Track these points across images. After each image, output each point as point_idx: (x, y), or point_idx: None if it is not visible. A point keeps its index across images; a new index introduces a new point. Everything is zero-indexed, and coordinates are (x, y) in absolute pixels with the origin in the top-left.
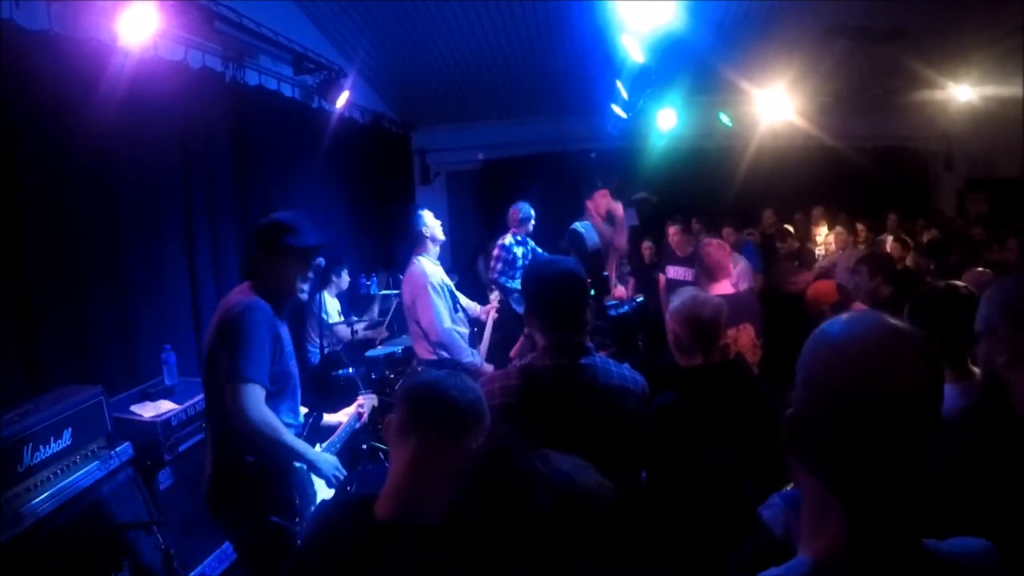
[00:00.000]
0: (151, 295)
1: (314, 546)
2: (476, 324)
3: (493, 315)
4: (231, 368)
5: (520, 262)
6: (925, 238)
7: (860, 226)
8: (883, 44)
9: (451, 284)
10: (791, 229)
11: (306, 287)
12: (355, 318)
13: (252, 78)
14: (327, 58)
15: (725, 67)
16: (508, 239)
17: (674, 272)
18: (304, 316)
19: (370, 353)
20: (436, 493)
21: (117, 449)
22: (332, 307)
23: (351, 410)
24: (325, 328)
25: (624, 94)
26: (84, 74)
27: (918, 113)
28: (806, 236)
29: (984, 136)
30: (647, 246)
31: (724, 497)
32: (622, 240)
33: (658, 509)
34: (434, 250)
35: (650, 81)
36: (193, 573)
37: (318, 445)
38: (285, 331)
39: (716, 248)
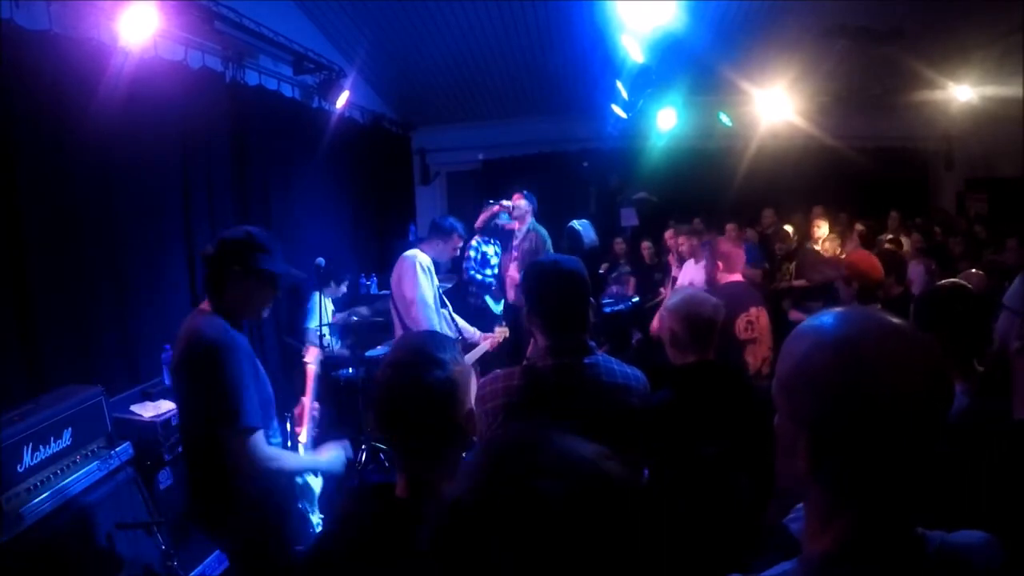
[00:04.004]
0: (151, 295)
1: (336, 527)
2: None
3: (490, 345)
4: (227, 418)
5: (493, 259)
6: (919, 239)
7: (859, 226)
8: (883, 44)
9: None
10: (789, 230)
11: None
12: (355, 318)
13: (252, 78)
14: (327, 58)
15: (725, 67)
16: (476, 239)
17: (676, 272)
18: (301, 316)
19: (370, 353)
20: (448, 471)
21: (117, 449)
22: (328, 309)
23: (309, 389)
24: (324, 326)
25: (624, 94)
26: (84, 74)
27: (918, 113)
28: (806, 236)
29: (984, 136)
30: (647, 246)
31: (719, 494)
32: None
33: (659, 506)
34: (438, 250)
35: (650, 81)
36: (193, 573)
37: (300, 448)
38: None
39: (726, 241)
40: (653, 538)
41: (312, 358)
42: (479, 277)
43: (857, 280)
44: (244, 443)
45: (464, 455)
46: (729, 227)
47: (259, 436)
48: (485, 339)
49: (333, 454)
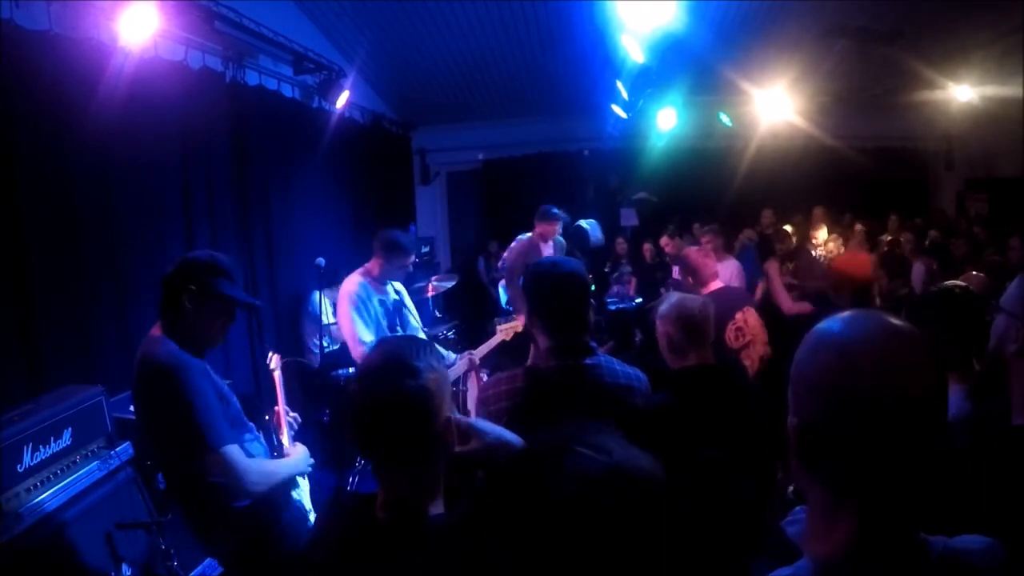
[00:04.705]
0: (151, 295)
1: (316, 546)
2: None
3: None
4: (199, 442)
5: None
6: (927, 239)
7: (859, 227)
8: (883, 44)
9: (398, 298)
10: (789, 230)
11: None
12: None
13: (252, 78)
14: (327, 58)
15: (725, 67)
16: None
17: (678, 272)
18: (300, 316)
19: None
20: (427, 485)
21: (117, 449)
22: (329, 308)
23: (279, 396)
24: (324, 328)
25: (624, 94)
26: (84, 74)
27: (918, 113)
28: (805, 237)
29: (984, 136)
30: (648, 248)
31: (719, 496)
32: None
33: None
34: (383, 269)
35: (650, 81)
36: (193, 573)
37: (286, 445)
38: (212, 372)
39: (696, 253)
40: (674, 535)
41: (276, 363)
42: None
43: (847, 286)
44: (217, 464)
45: (445, 467)
46: (704, 240)
47: (232, 451)
48: (500, 330)
49: (299, 455)
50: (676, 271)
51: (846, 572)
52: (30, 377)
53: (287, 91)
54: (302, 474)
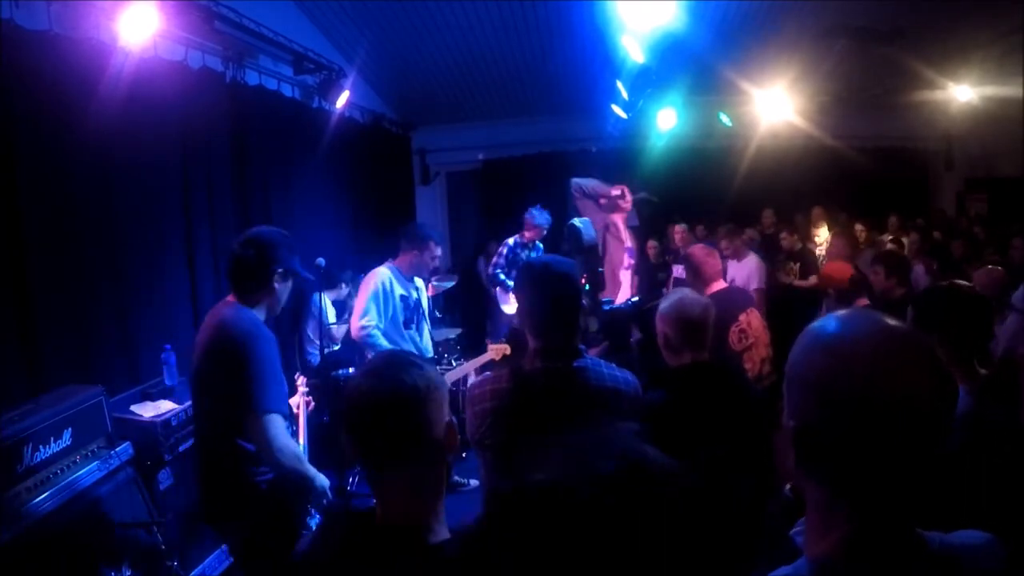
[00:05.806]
0: (151, 295)
1: (314, 554)
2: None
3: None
4: (252, 400)
5: None
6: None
7: (859, 227)
8: (883, 44)
9: (418, 297)
10: (793, 230)
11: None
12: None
13: (252, 78)
14: (327, 58)
15: (725, 67)
16: (513, 240)
17: (679, 271)
18: (302, 317)
19: (372, 354)
20: (426, 497)
21: (117, 449)
22: (330, 309)
23: (299, 399)
24: (325, 329)
25: (624, 94)
26: (84, 74)
27: (918, 113)
28: (806, 236)
29: (984, 136)
30: (652, 245)
31: (717, 496)
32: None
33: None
34: (413, 263)
35: (650, 81)
36: (193, 573)
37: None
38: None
39: (700, 251)
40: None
41: (302, 383)
42: (510, 282)
43: (823, 285)
44: (261, 423)
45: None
46: (723, 245)
47: (277, 420)
48: (491, 349)
49: (321, 477)
50: (677, 271)
51: (843, 571)
52: (30, 377)
53: (287, 91)
54: (317, 490)
